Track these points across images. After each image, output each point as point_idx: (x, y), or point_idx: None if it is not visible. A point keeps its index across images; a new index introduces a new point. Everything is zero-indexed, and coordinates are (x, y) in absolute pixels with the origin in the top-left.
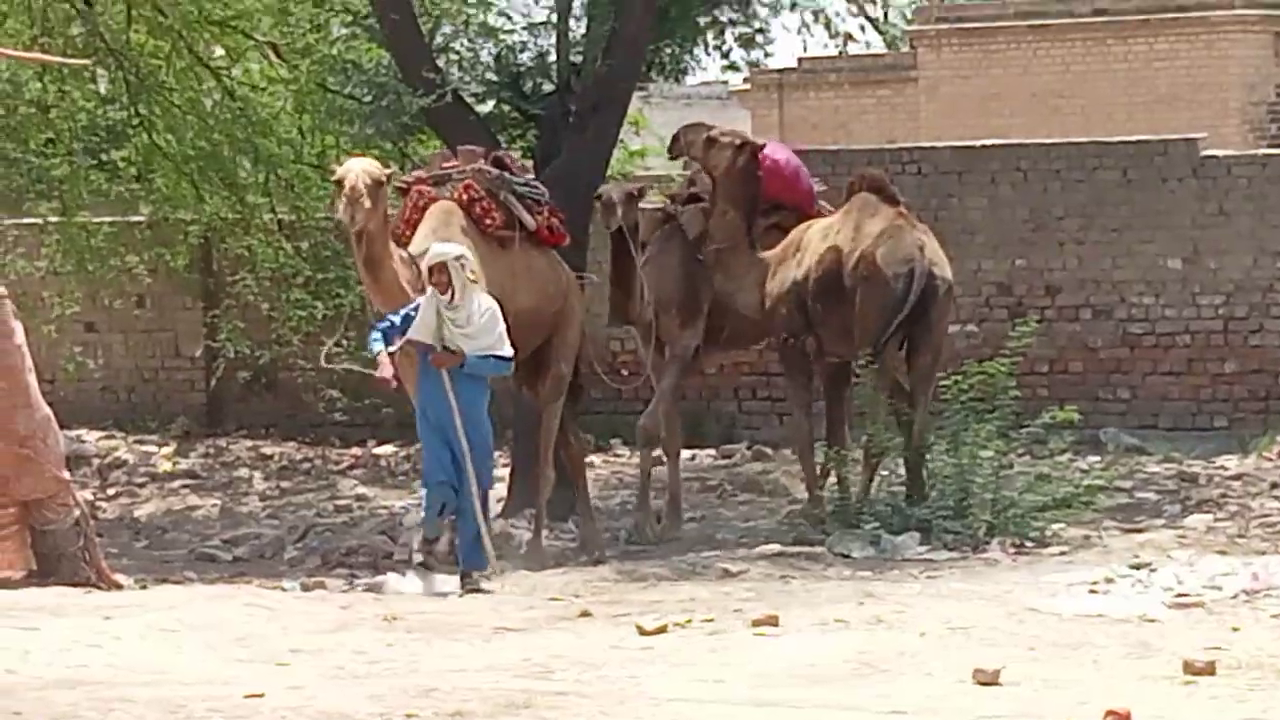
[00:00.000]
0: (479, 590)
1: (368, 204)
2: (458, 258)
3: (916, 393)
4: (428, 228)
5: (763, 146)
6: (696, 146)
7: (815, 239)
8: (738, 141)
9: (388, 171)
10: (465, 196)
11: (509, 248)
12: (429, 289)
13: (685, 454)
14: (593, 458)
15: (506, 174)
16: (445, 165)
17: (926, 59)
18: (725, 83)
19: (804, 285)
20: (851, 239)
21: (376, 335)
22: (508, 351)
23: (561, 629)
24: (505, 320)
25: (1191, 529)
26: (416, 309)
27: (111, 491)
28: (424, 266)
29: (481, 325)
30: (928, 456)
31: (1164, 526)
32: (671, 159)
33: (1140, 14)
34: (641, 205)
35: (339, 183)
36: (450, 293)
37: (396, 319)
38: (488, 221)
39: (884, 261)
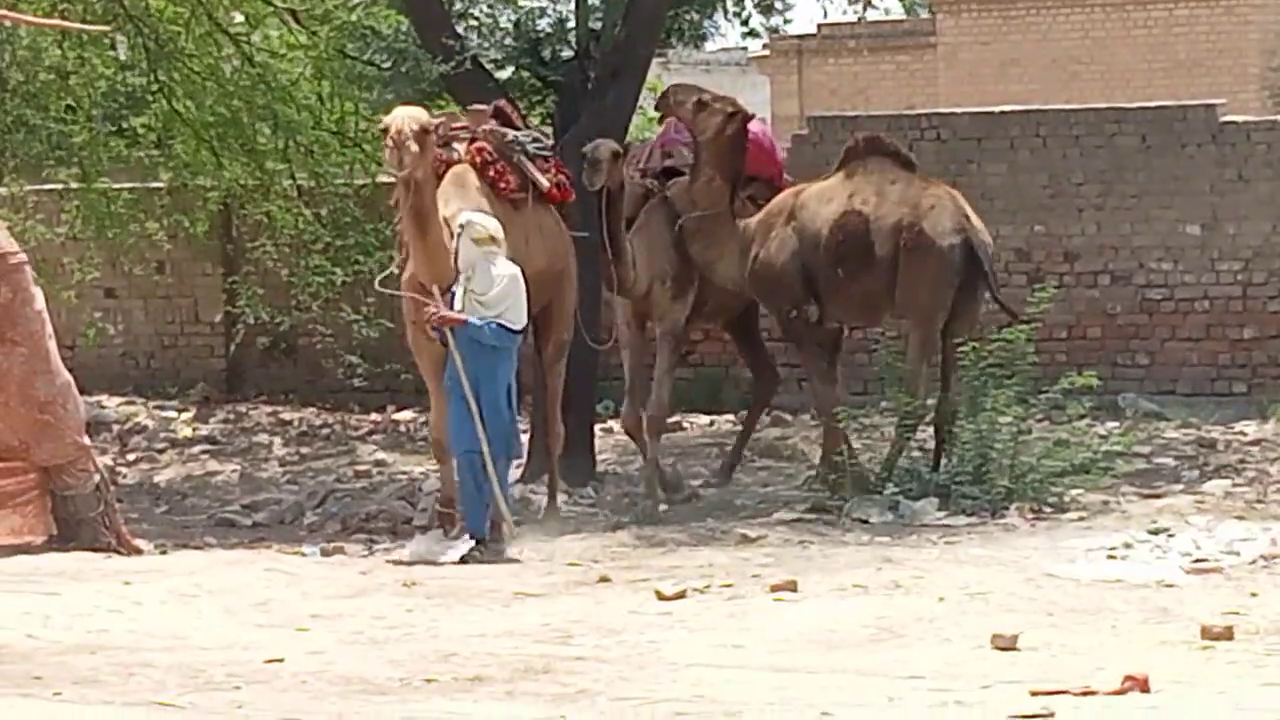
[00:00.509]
0: (475, 559)
1: (415, 148)
2: (462, 225)
3: (952, 361)
4: (445, 193)
5: (752, 117)
6: (686, 108)
7: (816, 204)
8: (730, 109)
9: (436, 120)
10: (479, 159)
11: (522, 209)
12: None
13: (703, 420)
14: (611, 423)
15: (513, 131)
16: (455, 126)
17: (946, 25)
18: (744, 49)
19: (812, 253)
20: (876, 204)
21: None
22: (516, 322)
23: (580, 594)
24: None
25: (1210, 494)
26: None
27: (131, 457)
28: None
29: (496, 294)
30: (946, 425)
31: (1182, 492)
32: (659, 116)
33: None
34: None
35: (385, 130)
36: (455, 260)
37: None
38: (502, 185)
39: (935, 232)
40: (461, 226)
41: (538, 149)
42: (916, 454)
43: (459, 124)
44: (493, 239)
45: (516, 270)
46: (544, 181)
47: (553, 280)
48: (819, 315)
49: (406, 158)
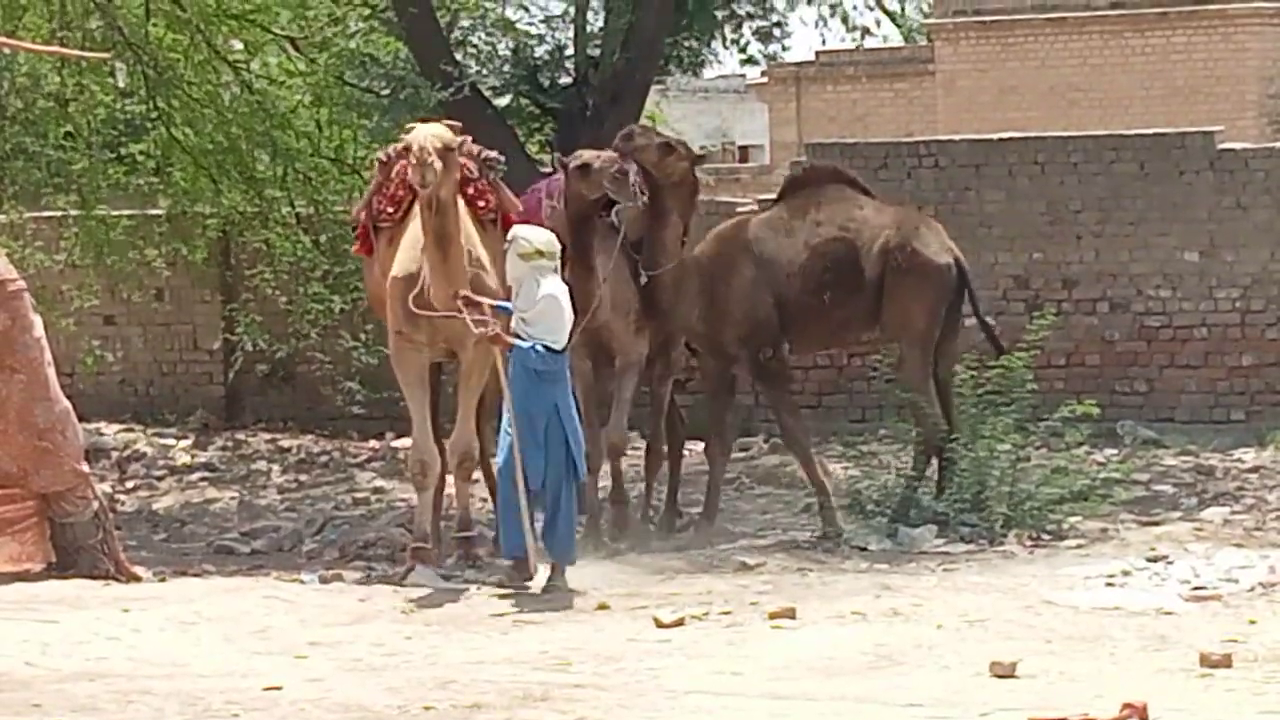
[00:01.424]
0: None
1: (438, 165)
2: (509, 239)
3: (949, 382)
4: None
5: (702, 158)
6: (650, 151)
7: (774, 235)
8: (694, 154)
9: (460, 139)
10: (459, 176)
11: (490, 232)
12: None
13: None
14: None
15: (487, 151)
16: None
17: (944, 52)
18: (743, 76)
19: (785, 284)
20: (858, 228)
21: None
22: (557, 343)
23: (579, 621)
24: None
25: (1208, 522)
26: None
27: (130, 484)
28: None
29: (534, 313)
30: (946, 449)
31: (1181, 519)
32: (618, 156)
33: (1158, 7)
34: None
35: (407, 148)
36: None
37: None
38: (481, 204)
39: (929, 251)
40: (509, 241)
41: (501, 168)
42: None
43: None
44: (540, 253)
45: (561, 288)
46: (517, 204)
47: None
48: (790, 349)
49: (429, 175)
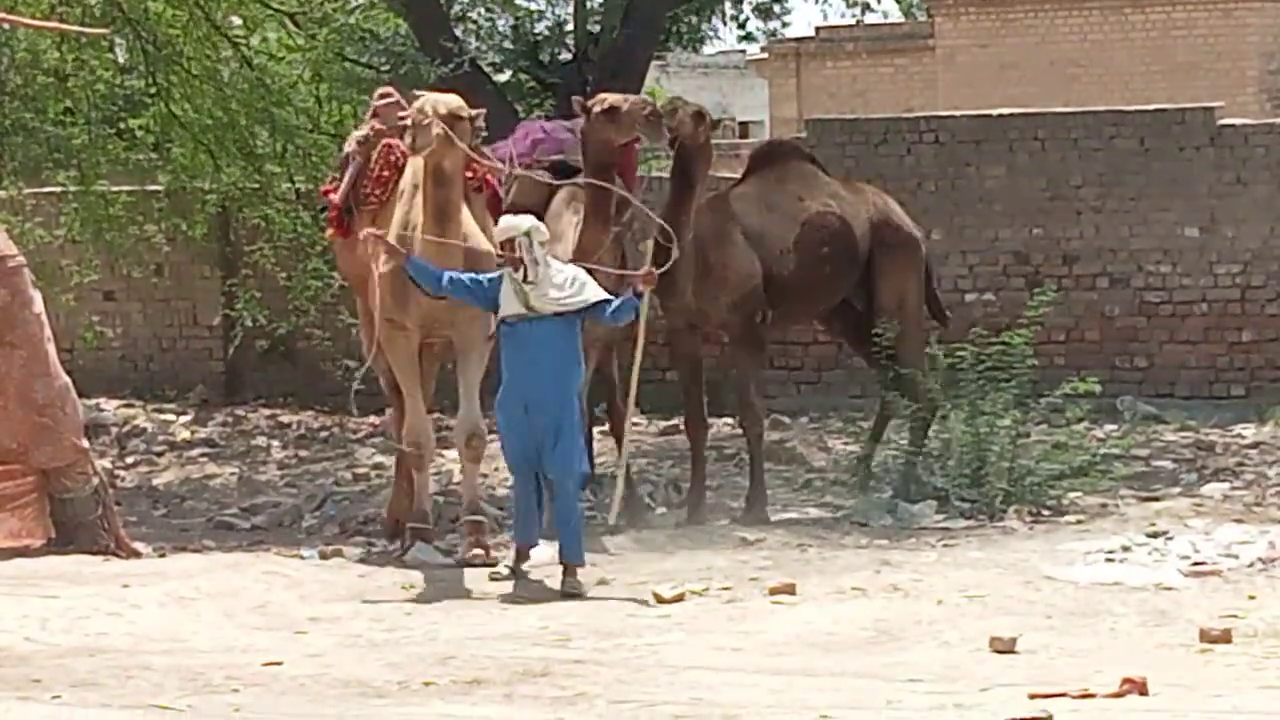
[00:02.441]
0: (576, 594)
1: (437, 130)
2: (527, 232)
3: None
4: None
5: (718, 125)
6: (687, 121)
7: (757, 208)
8: (715, 122)
9: (474, 112)
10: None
11: (475, 201)
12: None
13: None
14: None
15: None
16: (403, 115)
17: (944, 28)
18: (743, 52)
19: (776, 257)
20: (841, 203)
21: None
22: (601, 294)
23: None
24: None
25: (1208, 497)
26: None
27: (130, 460)
28: (495, 239)
29: (573, 293)
30: (938, 424)
31: (1181, 495)
32: (671, 139)
33: None
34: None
35: (402, 122)
36: (523, 270)
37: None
38: (468, 174)
39: (909, 226)
40: (527, 234)
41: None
42: (916, 457)
43: (405, 111)
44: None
45: (578, 270)
46: (503, 168)
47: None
48: (767, 321)
49: (420, 139)
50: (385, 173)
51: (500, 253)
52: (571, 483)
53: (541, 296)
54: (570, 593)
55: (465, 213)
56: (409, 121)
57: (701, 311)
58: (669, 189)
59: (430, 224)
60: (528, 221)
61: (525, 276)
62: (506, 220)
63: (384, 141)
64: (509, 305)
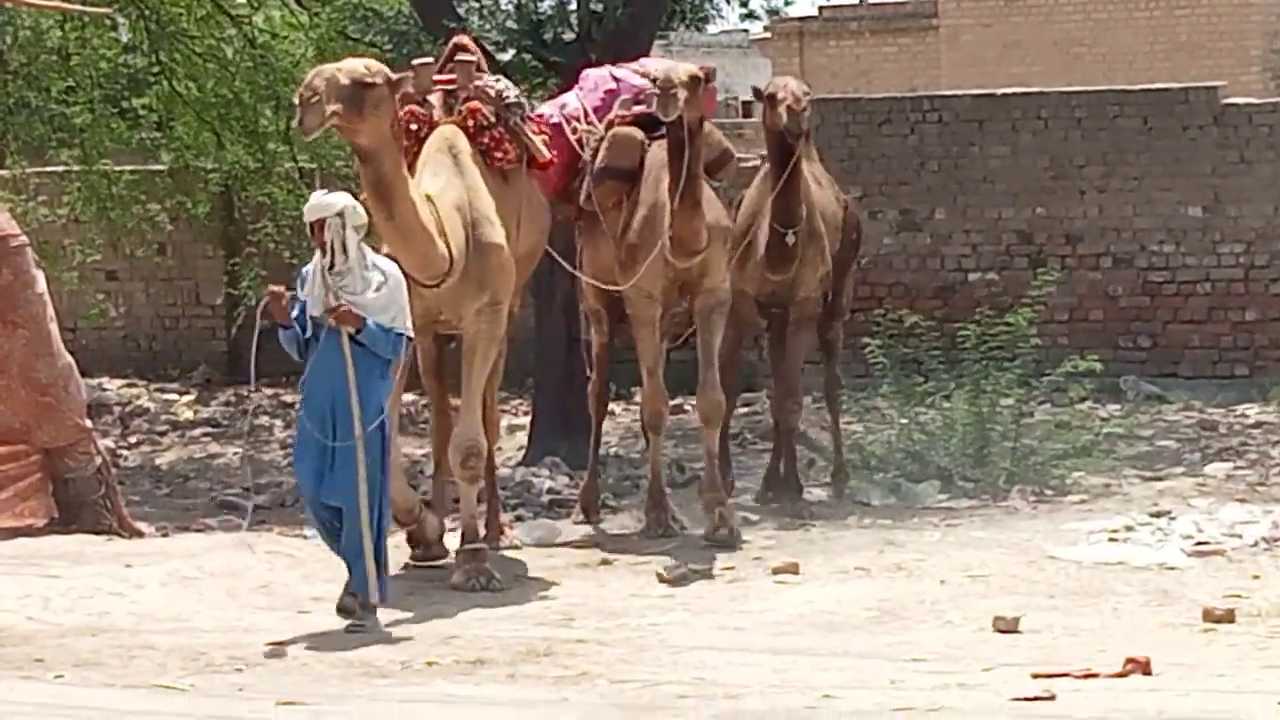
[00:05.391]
0: (359, 628)
1: (331, 108)
2: (340, 212)
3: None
4: (435, 161)
5: None
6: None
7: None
8: None
9: (399, 75)
10: (472, 123)
11: (514, 182)
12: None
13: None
14: (613, 406)
15: (511, 89)
16: (438, 80)
17: (947, 7)
18: (746, 31)
19: (834, 236)
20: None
21: (289, 334)
22: (409, 329)
23: (582, 577)
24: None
25: (1211, 477)
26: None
27: (133, 439)
28: (306, 220)
29: (379, 297)
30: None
31: (1184, 474)
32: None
33: None
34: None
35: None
36: (330, 255)
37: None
38: (498, 154)
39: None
40: (338, 214)
41: (526, 110)
42: (920, 436)
43: (444, 77)
44: (367, 226)
45: (396, 270)
46: (545, 152)
47: (531, 259)
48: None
49: (309, 118)
50: (409, 144)
51: (313, 237)
52: (361, 512)
53: (348, 293)
54: (352, 628)
55: (478, 188)
56: (296, 99)
57: (789, 287)
58: (770, 174)
59: (376, 211)
60: (342, 200)
61: (332, 265)
62: (316, 198)
63: (406, 109)
64: (314, 302)
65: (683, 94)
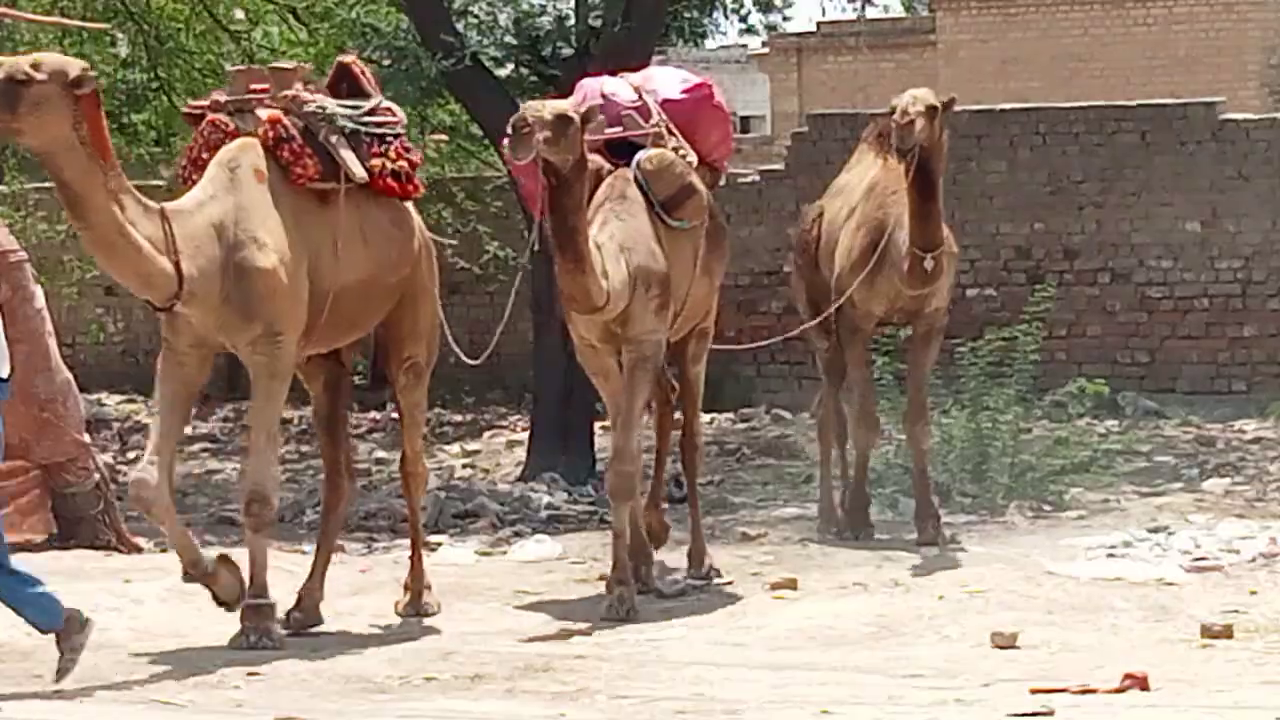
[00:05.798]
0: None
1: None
2: None
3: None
4: (209, 176)
5: None
6: (924, 126)
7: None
8: None
9: (81, 68)
10: (271, 135)
11: (331, 203)
12: None
13: (704, 417)
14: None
15: (332, 101)
16: (254, 88)
17: (945, 22)
18: (744, 47)
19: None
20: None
21: None
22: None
23: (580, 592)
24: (321, 299)
25: (1209, 493)
26: None
27: (131, 455)
28: None
29: None
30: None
31: (1182, 490)
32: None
33: None
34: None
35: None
36: None
37: None
38: (297, 170)
39: None
40: None
41: (368, 127)
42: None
43: (259, 86)
44: None
45: None
46: (358, 170)
47: (386, 292)
48: None
49: None
50: (206, 155)
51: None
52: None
53: None
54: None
55: (216, 209)
56: None
57: (920, 300)
58: (907, 195)
59: (71, 218)
60: None
61: None
62: None
63: (210, 118)
64: None
65: (541, 134)
